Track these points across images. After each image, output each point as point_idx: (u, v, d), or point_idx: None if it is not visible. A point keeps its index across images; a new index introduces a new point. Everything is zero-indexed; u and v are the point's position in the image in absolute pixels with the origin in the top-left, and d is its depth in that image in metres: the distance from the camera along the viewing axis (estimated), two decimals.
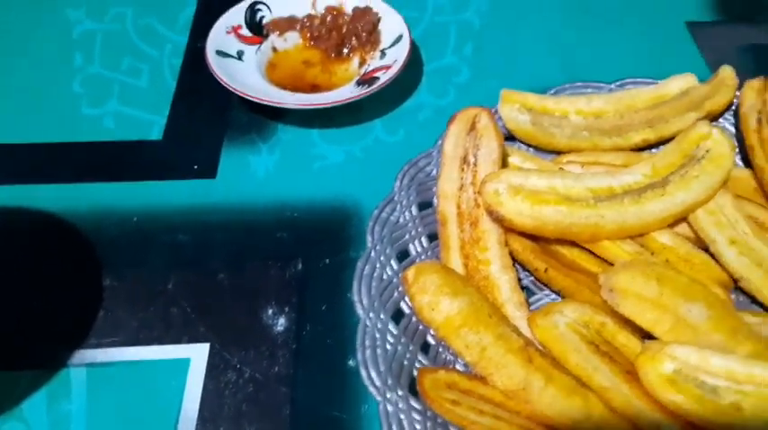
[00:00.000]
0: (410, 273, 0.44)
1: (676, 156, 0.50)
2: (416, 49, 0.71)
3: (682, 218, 0.49)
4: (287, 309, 0.50)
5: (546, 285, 0.48)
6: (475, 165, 0.50)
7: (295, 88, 0.64)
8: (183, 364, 0.47)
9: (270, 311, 0.50)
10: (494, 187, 0.47)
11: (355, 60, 0.67)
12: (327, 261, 0.52)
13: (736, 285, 0.47)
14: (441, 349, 0.44)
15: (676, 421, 0.38)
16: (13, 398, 0.44)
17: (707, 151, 0.50)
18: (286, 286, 0.51)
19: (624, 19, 0.75)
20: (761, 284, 0.46)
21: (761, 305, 0.46)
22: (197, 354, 0.47)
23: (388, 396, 0.40)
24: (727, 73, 0.57)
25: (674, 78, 0.58)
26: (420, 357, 0.43)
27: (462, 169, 0.50)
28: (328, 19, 0.68)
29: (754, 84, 0.55)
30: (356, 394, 0.44)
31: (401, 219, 0.50)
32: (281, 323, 0.49)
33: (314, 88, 0.64)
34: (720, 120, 0.58)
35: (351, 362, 0.46)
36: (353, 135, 0.63)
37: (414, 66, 0.69)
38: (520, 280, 0.48)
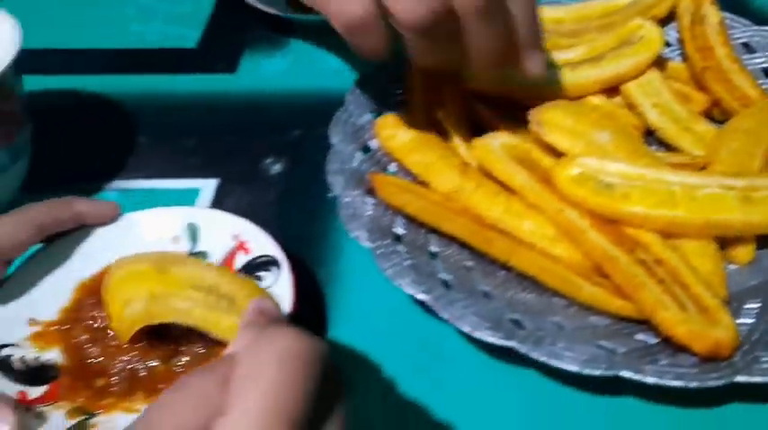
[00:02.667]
0: (380, 118, 0.55)
1: (613, 41, 0.59)
2: None
3: (612, 85, 0.57)
4: (284, 159, 0.61)
5: None
6: None
7: None
8: (195, 192, 0.58)
9: (268, 161, 0.60)
10: None
11: None
12: (319, 131, 0.62)
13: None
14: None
15: (576, 209, 0.47)
16: None
17: (640, 37, 0.59)
18: (285, 146, 0.62)
19: None
20: (674, 134, 0.55)
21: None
22: (207, 185, 0.58)
23: (346, 192, 0.50)
24: None
25: None
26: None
27: None
28: None
29: None
30: (330, 214, 0.54)
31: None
32: (275, 169, 0.60)
33: None
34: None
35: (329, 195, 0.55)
36: None
37: None
38: None
